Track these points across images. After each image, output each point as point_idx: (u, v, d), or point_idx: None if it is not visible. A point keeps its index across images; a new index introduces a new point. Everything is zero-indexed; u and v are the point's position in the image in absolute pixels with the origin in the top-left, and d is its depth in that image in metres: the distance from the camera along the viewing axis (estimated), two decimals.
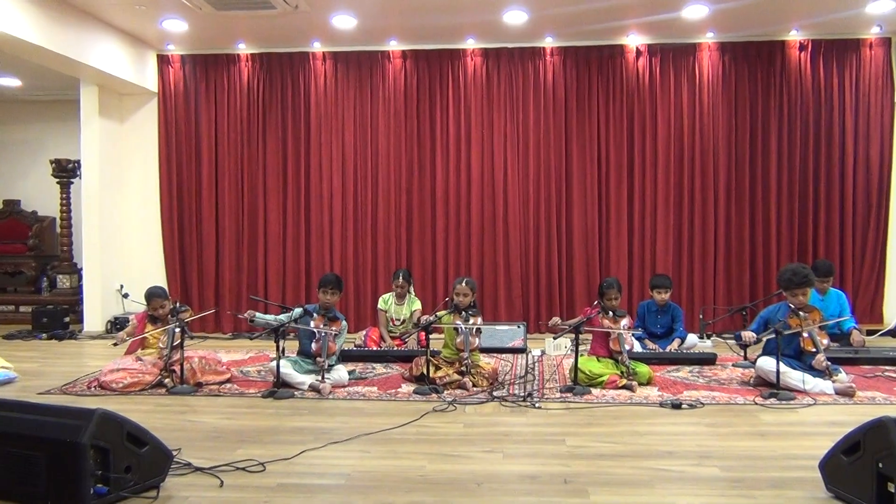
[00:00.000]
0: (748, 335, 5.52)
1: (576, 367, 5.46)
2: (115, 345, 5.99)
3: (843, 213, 8.37)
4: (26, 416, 3.29)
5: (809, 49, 8.35)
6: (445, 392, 5.37)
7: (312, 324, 5.62)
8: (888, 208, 8.35)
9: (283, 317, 5.71)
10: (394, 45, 8.67)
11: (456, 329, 5.68)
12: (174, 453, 3.68)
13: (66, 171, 9.59)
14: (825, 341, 5.46)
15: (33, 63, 7.63)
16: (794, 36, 8.31)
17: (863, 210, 8.36)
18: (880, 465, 2.99)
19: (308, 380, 5.48)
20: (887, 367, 6.17)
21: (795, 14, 7.71)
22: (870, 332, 7.58)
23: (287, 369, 5.48)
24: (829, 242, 8.37)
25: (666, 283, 7.00)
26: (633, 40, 8.47)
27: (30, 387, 5.74)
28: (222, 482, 3.51)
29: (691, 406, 4.93)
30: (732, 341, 6.76)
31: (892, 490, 2.92)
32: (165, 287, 8.23)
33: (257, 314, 5.76)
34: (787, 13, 7.67)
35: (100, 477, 3.16)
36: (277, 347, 5.43)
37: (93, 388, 5.59)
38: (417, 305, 7.24)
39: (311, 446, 4.06)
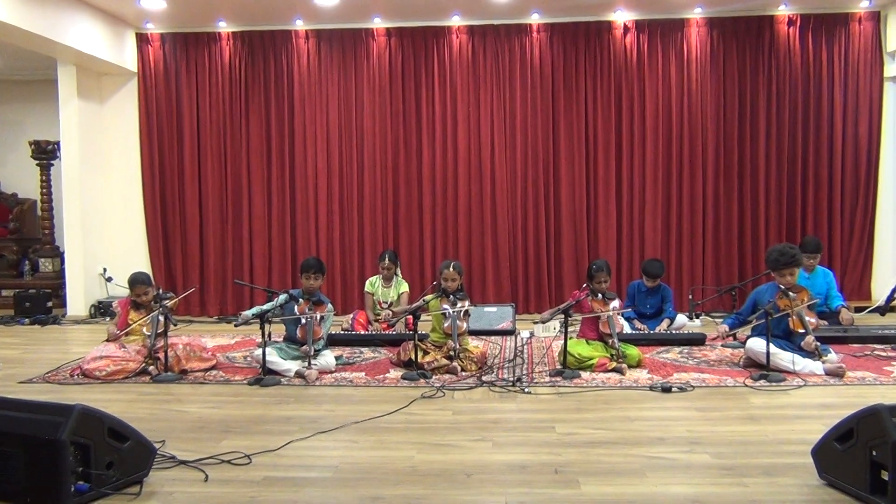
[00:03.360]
0: (722, 329, 5.66)
1: (565, 351, 5.41)
2: (108, 340, 5.83)
3: (831, 190, 8.35)
4: (4, 412, 3.21)
5: (798, 24, 8.28)
6: (434, 377, 5.32)
7: (297, 309, 5.54)
8: (876, 185, 8.33)
9: (267, 305, 5.62)
10: (378, 23, 8.52)
11: (444, 313, 5.61)
12: (158, 446, 3.62)
13: (45, 153, 9.43)
14: (814, 321, 5.44)
15: (9, 43, 7.44)
16: (783, 10, 8.23)
17: (851, 187, 8.34)
18: (874, 452, 2.96)
19: (294, 366, 5.40)
20: (876, 346, 6.17)
21: None
22: (858, 310, 7.58)
23: (272, 356, 5.40)
24: (818, 220, 8.35)
25: (657, 272, 6.88)
26: (621, 16, 8.36)
27: (11, 375, 5.64)
28: (207, 476, 3.43)
29: (681, 389, 4.89)
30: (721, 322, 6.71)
31: (886, 478, 2.89)
32: (149, 271, 8.18)
33: (241, 314, 5.68)
34: None
35: (80, 474, 3.09)
36: (263, 334, 5.35)
37: (76, 376, 5.49)
38: (405, 288, 7.16)
39: (298, 437, 4.00)
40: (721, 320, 6.10)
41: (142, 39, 8.79)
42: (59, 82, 8.48)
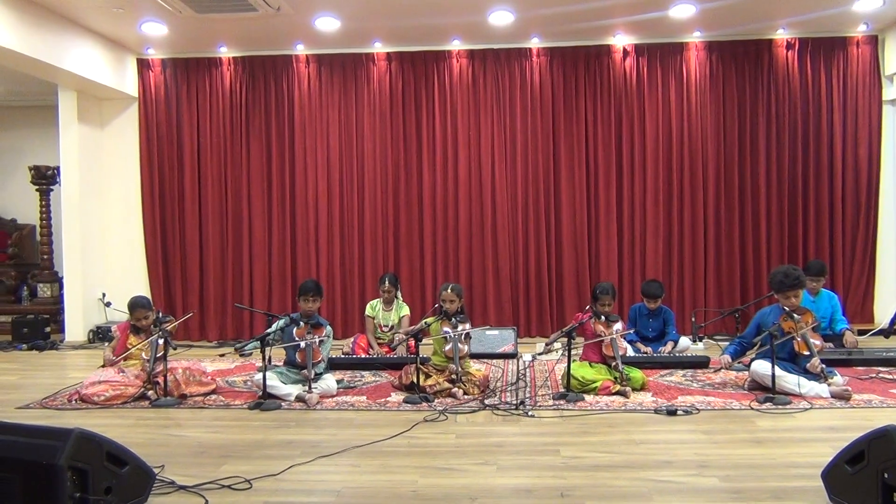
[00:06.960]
0: (725, 360, 5.63)
1: (568, 373, 5.37)
2: (103, 366, 5.79)
3: (832, 213, 8.33)
4: (1, 437, 3.16)
5: (797, 47, 8.31)
6: (436, 401, 5.27)
7: (295, 333, 5.49)
8: (877, 207, 8.31)
9: (268, 329, 5.57)
10: (378, 47, 8.55)
11: (445, 336, 5.56)
12: (157, 471, 3.56)
13: (45, 178, 9.41)
14: (819, 343, 5.39)
15: (9, 68, 7.46)
16: (782, 34, 8.27)
17: (852, 209, 8.32)
18: (885, 475, 2.91)
19: (295, 390, 5.35)
20: (881, 369, 6.12)
21: (782, 12, 7.65)
22: (861, 332, 7.53)
23: (273, 381, 5.34)
24: (819, 242, 8.33)
25: (657, 293, 6.87)
26: (620, 40, 8.40)
27: (8, 400, 5.57)
28: (207, 501, 3.38)
29: (686, 412, 4.84)
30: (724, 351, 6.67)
31: None
32: (149, 296, 8.13)
33: (247, 346, 5.64)
34: (773, 11, 7.62)
35: (78, 499, 3.03)
36: (263, 358, 5.30)
37: (73, 402, 5.43)
38: (405, 311, 7.12)
39: (300, 461, 3.94)
40: (724, 347, 6.04)
41: (143, 65, 8.81)
42: (60, 107, 8.48)
